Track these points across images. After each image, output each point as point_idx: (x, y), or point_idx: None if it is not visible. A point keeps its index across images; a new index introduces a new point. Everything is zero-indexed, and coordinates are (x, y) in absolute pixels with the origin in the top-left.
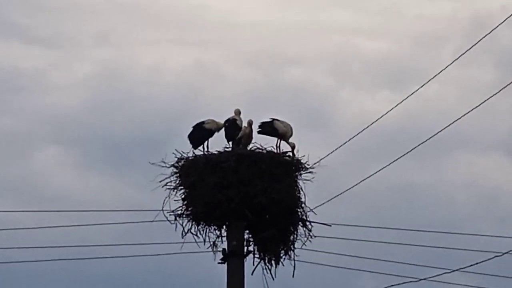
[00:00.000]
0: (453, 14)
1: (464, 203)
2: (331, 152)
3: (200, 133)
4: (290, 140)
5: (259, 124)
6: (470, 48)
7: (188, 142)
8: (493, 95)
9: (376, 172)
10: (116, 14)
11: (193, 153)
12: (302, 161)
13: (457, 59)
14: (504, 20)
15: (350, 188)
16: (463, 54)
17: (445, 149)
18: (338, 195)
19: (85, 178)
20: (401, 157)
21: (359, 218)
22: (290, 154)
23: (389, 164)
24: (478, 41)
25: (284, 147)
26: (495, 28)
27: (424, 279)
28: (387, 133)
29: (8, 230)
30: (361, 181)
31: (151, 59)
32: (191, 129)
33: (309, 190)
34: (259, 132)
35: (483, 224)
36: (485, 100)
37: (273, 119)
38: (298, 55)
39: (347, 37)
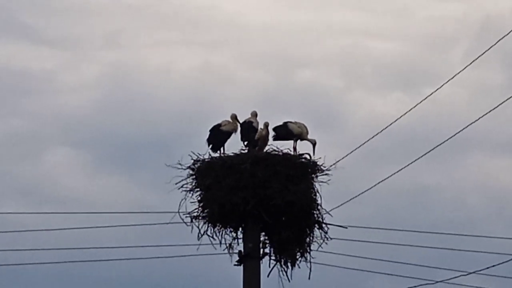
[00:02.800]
0: (464, 16)
1: (476, 205)
2: (348, 154)
3: (218, 136)
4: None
5: (272, 128)
6: (483, 53)
7: (205, 144)
8: (508, 99)
9: (393, 174)
10: (125, 15)
11: (209, 155)
12: (318, 163)
13: (471, 63)
14: None
15: (367, 190)
16: (478, 58)
17: (457, 151)
18: (355, 197)
19: (95, 180)
20: (417, 159)
21: (373, 220)
22: (307, 156)
23: (406, 166)
24: (493, 45)
25: (303, 147)
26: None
27: (441, 281)
28: (398, 135)
29: (19, 232)
30: (377, 183)
31: (160, 61)
32: (208, 132)
33: (324, 192)
34: (274, 138)
35: (495, 225)
36: (500, 104)
37: (286, 122)
38: (308, 57)
39: (357, 39)
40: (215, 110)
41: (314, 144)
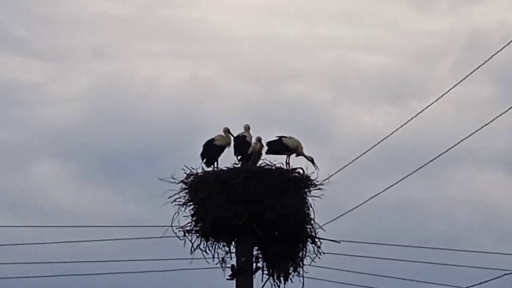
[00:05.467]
0: (452, 29)
1: (466, 219)
2: (342, 169)
3: (212, 151)
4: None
5: (266, 142)
6: (475, 70)
7: (194, 156)
8: (500, 115)
9: (387, 188)
10: (114, 27)
11: (202, 169)
12: (311, 177)
13: (463, 79)
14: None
15: (360, 205)
16: (470, 74)
17: (446, 165)
18: (348, 212)
19: (83, 192)
20: (411, 174)
21: (365, 235)
22: (300, 170)
23: (400, 180)
24: (484, 63)
25: (295, 161)
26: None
27: None
28: (385, 149)
29: (5, 245)
30: (371, 198)
31: (148, 73)
32: (201, 147)
33: (317, 206)
34: (267, 152)
35: (484, 240)
36: (492, 120)
37: (280, 137)
38: (296, 70)
39: (345, 52)
40: (203, 123)
41: (312, 160)
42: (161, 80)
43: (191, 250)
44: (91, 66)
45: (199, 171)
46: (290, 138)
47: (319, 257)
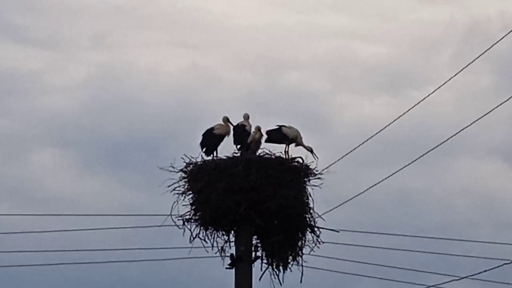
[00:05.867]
0: (451, 19)
1: (464, 209)
2: (341, 158)
3: (211, 140)
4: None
5: (266, 131)
6: (475, 59)
7: (193, 145)
8: (500, 104)
9: (386, 178)
10: (113, 16)
11: (202, 158)
12: (310, 166)
13: (462, 69)
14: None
15: (359, 195)
16: (469, 64)
17: (445, 155)
18: (347, 201)
19: (82, 181)
20: (410, 163)
21: (364, 224)
22: (299, 159)
23: (399, 170)
24: (484, 52)
25: (298, 152)
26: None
27: (433, 286)
28: (384, 138)
29: (5, 234)
30: (370, 187)
31: (147, 62)
32: (200, 136)
33: (316, 195)
34: (267, 141)
35: (483, 230)
36: (492, 110)
37: (280, 126)
38: (295, 59)
39: (344, 41)
40: (202, 112)
41: (311, 150)
42: (160, 69)
43: (190, 239)
44: (90, 55)
45: (199, 160)
46: (290, 127)
47: (318, 246)
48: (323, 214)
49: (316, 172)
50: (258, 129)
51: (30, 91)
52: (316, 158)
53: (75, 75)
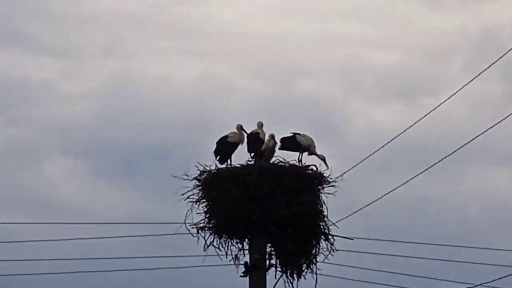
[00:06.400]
0: (464, 27)
1: (477, 217)
2: (355, 166)
3: (225, 148)
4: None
5: (280, 138)
6: (489, 67)
7: (206, 153)
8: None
9: (400, 186)
10: (125, 25)
11: (216, 166)
12: (324, 174)
13: (475, 77)
14: None
15: (373, 202)
16: (482, 72)
17: (458, 163)
18: (361, 209)
19: (95, 189)
20: (423, 171)
21: (378, 232)
22: (313, 167)
23: (413, 178)
24: (498, 60)
25: (309, 159)
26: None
27: None
28: (396, 146)
29: (17, 242)
30: (385, 195)
31: (160, 70)
32: (214, 144)
33: (330, 203)
34: (281, 148)
35: (496, 237)
36: (505, 118)
37: (294, 133)
38: (307, 67)
39: (357, 49)
40: (214, 120)
41: (324, 159)
42: (173, 77)
43: (204, 247)
44: (103, 63)
45: (213, 168)
46: (304, 135)
47: (332, 254)
48: (337, 222)
49: (330, 180)
50: (272, 137)
51: (43, 100)
52: (328, 168)
53: (88, 84)
